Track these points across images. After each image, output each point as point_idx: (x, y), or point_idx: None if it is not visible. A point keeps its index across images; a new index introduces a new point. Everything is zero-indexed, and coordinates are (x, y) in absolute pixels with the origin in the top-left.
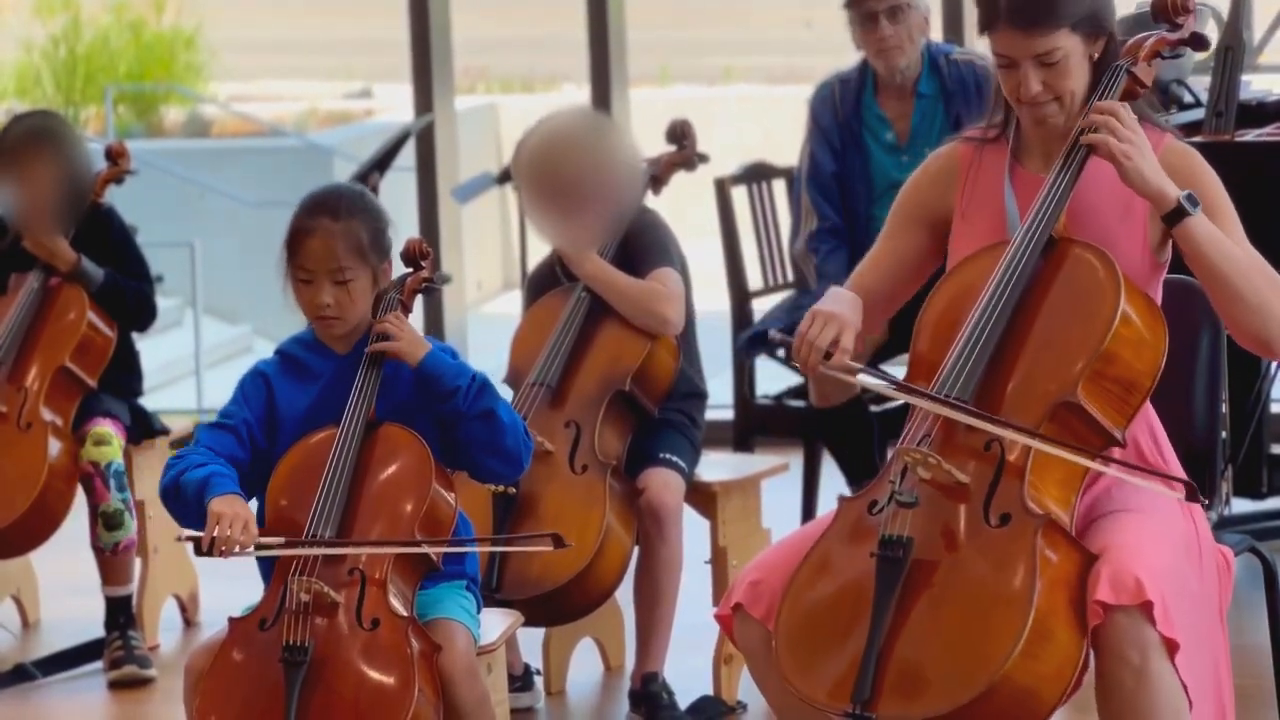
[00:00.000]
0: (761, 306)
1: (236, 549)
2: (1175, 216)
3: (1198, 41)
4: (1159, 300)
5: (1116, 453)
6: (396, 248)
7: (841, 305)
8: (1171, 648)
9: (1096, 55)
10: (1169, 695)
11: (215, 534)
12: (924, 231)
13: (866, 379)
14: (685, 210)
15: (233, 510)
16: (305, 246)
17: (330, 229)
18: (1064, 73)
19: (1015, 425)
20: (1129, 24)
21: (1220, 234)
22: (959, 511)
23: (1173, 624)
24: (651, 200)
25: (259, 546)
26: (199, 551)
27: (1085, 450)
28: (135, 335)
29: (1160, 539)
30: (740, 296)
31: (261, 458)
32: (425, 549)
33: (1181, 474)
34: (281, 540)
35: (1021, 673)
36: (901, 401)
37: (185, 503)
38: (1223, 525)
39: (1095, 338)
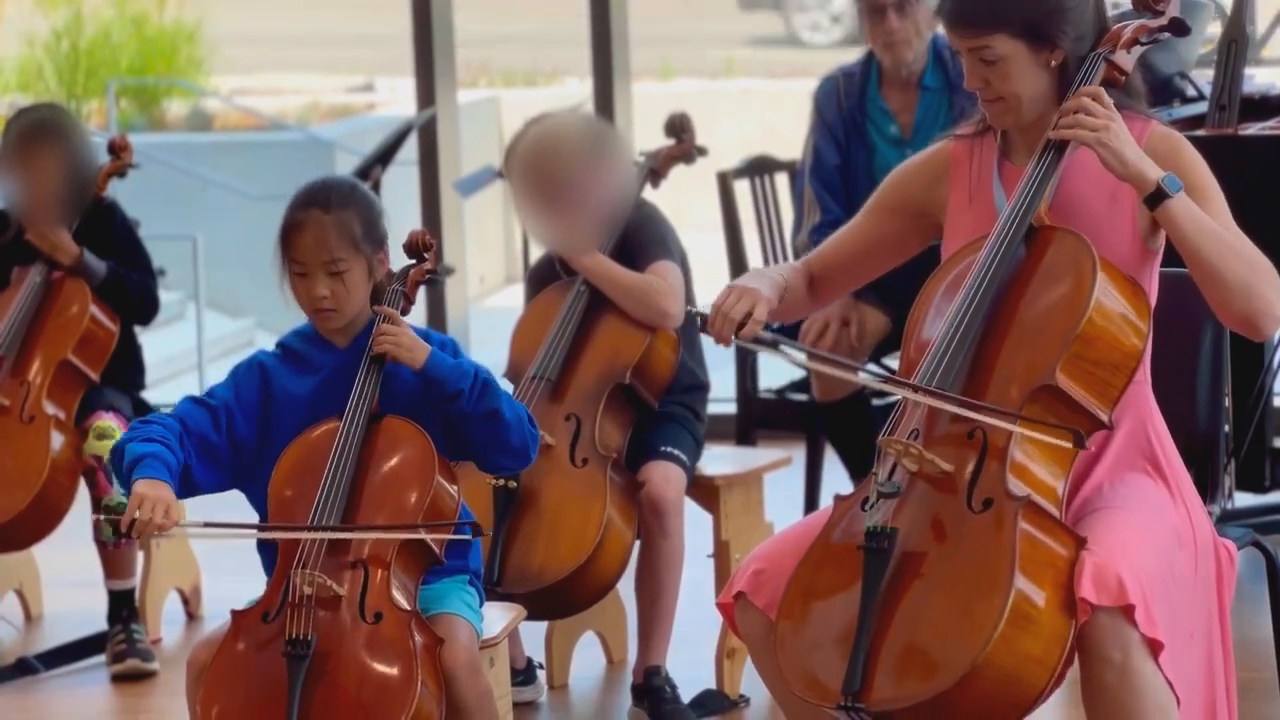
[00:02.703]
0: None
1: (155, 532)
2: (1155, 199)
3: (1178, 27)
4: (1153, 287)
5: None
6: (400, 239)
7: (759, 282)
8: (1155, 648)
9: (1055, 63)
10: (1153, 693)
11: (136, 516)
12: (902, 220)
13: (787, 350)
14: (688, 204)
15: (155, 493)
16: (298, 239)
17: (322, 220)
18: (1004, 75)
19: (961, 400)
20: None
21: (1202, 215)
22: (944, 500)
23: (1155, 624)
24: (651, 194)
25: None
26: (116, 534)
27: (1066, 429)
28: (138, 329)
29: (1146, 536)
30: None
31: (242, 447)
32: (356, 534)
33: (1186, 474)
34: (201, 522)
35: (1005, 654)
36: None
37: (119, 472)
38: (1225, 519)
39: (1072, 320)
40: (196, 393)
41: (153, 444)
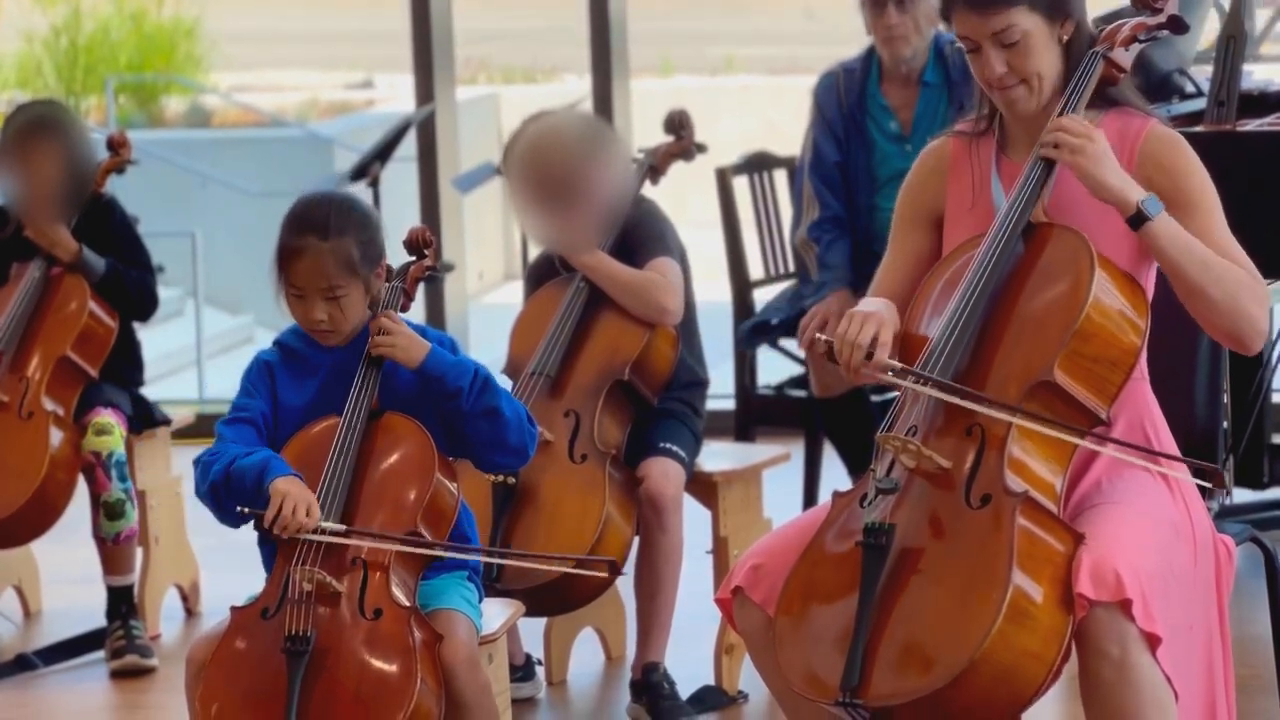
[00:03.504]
0: (763, 296)
1: (297, 530)
2: (1136, 221)
3: (1176, 24)
4: (1150, 284)
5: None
6: (399, 236)
7: (878, 306)
8: (1152, 642)
9: (1066, 37)
10: (1151, 687)
11: (280, 511)
12: (926, 230)
13: (911, 383)
14: (687, 200)
15: (299, 491)
16: (295, 266)
17: (319, 248)
18: (1026, 53)
19: (1031, 413)
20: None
21: (1184, 234)
22: (942, 496)
23: (1153, 619)
24: (651, 190)
25: (321, 532)
26: (259, 527)
27: (1079, 431)
28: (136, 325)
29: (1144, 532)
30: (741, 286)
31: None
32: (447, 553)
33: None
34: (344, 529)
35: (1003, 650)
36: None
37: (242, 490)
38: (1224, 515)
39: (1070, 317)
40: (195, 389)
41: (258, 452)
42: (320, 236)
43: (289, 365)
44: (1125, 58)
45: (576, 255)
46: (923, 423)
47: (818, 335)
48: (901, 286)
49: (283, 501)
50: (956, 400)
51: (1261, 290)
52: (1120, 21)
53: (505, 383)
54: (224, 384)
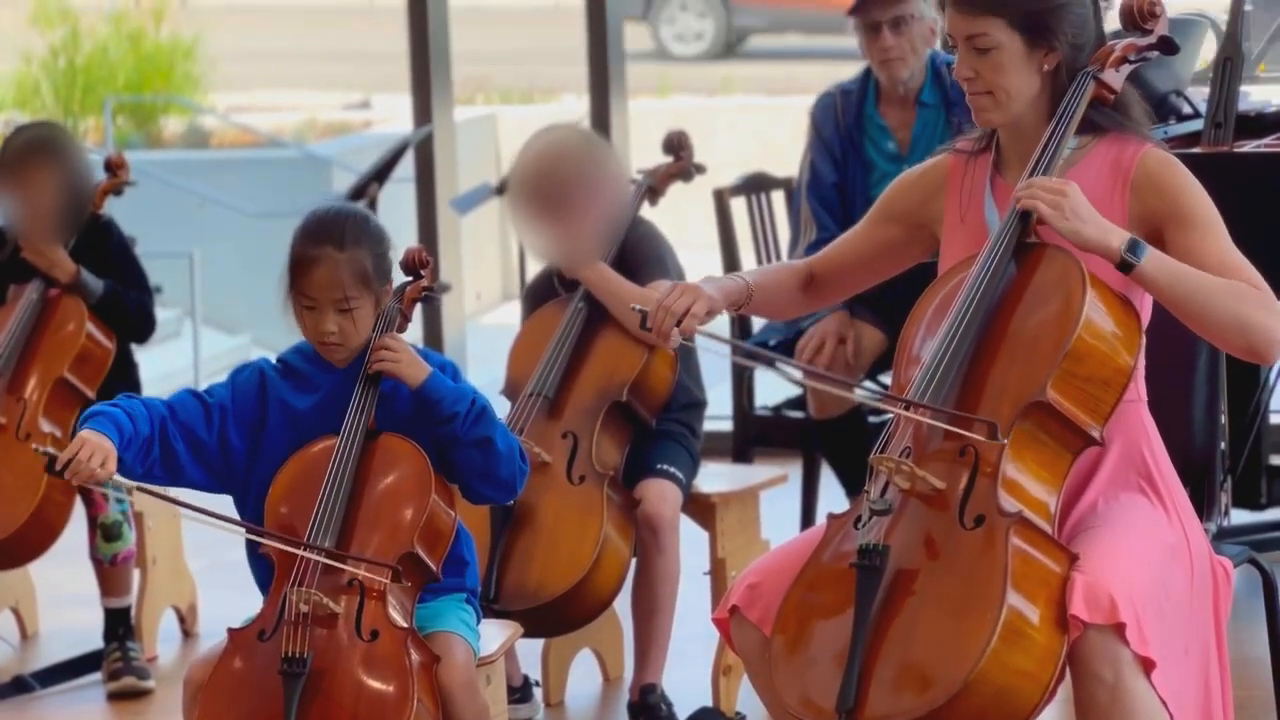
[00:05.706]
0: (760, 318)
1: (88, 478)
2: (1124, 267)
3: (1167, 45)
4: (1146, 304)
5: (1115, 459)
6: (397, 256)
7: (706, 283)
8: (1146, 666)
9: (1048, 68)
10: (1145, 711)
11: (75, 455)
12: (897, 229)
13: (725, 347)
14: (684, 221)
15: (97, 441)
16: (309, 276)
17: (335, 259)
18: (996, 66)
19: (947, 413)
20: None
21: (1175, 265)
22: (936, 517)
23: (1147, 643)
24: (649, 211)
25: (137, 489)
26: (49, 469)
27: (1065, 443)
28: (134, 346)
29: (1140, 555)
30: None
31: (231, 453)
32: (304, 551)
33: (1182, 492)
34: (134, 484)
35: (998, 670)
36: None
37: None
38: (1222, 536)
39: (1062, 336)
40: None
41: (115, 409)
42: (337, 247)
43: (288, 379)
44: (1116, 78)
45: (579, 269)
46: (916, 444)
47: (633, 306)
48: (842, 262)
49: (80, 447)
50: (816, 385)
51: (1269, 299)
52: (1111, 42)
53: (503, 404)
54: None
